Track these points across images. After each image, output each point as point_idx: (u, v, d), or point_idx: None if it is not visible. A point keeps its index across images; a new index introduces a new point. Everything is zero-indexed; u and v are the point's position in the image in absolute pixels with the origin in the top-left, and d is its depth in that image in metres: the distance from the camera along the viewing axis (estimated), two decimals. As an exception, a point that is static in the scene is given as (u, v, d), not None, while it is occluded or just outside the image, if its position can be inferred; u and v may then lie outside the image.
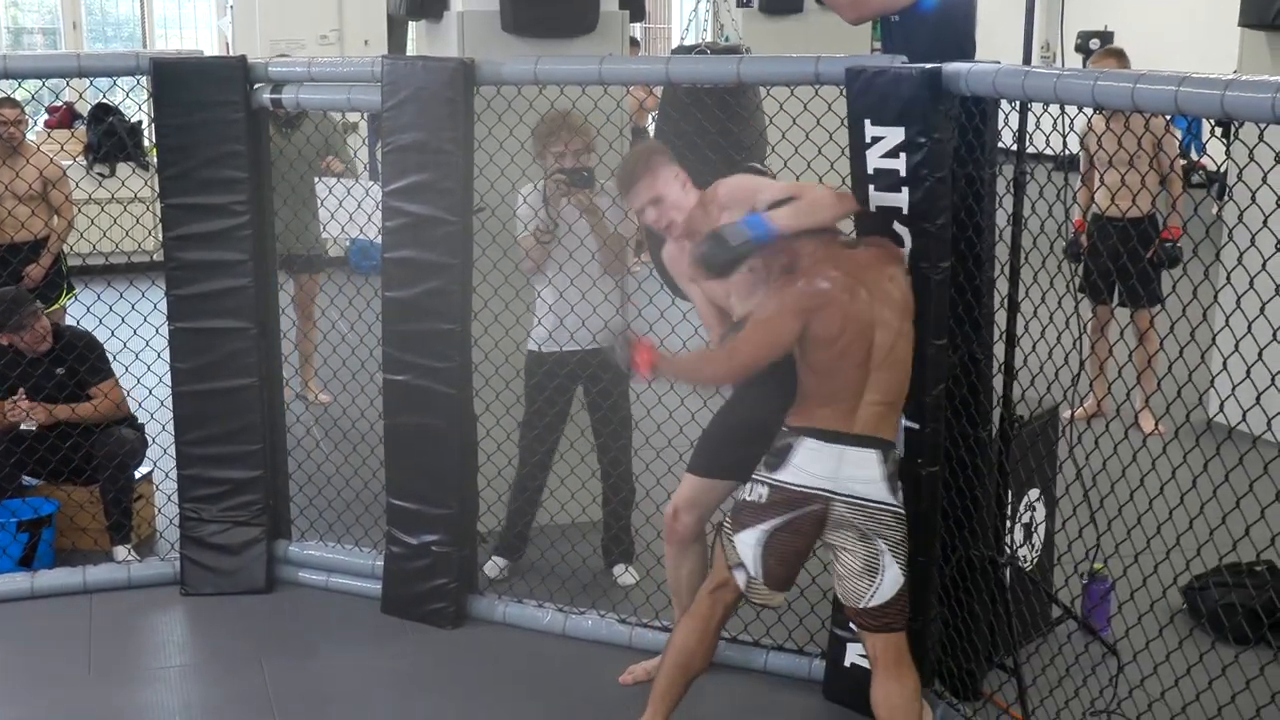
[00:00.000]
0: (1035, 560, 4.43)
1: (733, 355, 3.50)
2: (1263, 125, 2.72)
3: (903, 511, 3.43)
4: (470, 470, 4.69)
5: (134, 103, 5.69)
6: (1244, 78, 2.74)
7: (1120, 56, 6.61)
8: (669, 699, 3.60)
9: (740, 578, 3.47)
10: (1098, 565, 4.36)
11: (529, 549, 4.92)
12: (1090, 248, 6.55)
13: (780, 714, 4.07)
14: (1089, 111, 3.72)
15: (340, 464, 5.29)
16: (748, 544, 3.43)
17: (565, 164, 4.54)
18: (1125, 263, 6.21)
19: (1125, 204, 5.66)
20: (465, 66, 4.39)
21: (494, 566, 4.95)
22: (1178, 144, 6.46)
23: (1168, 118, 5.80)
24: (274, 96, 4.71)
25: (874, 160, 3.68)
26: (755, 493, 3.43)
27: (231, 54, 6.05)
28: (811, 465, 3.37)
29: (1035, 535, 4.41)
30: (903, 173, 3.64)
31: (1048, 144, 3.69)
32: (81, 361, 5.17)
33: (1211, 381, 3.70)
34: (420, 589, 4.66)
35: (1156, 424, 4.32)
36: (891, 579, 3.40)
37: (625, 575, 4.89)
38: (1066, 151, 3.53)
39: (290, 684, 4.27)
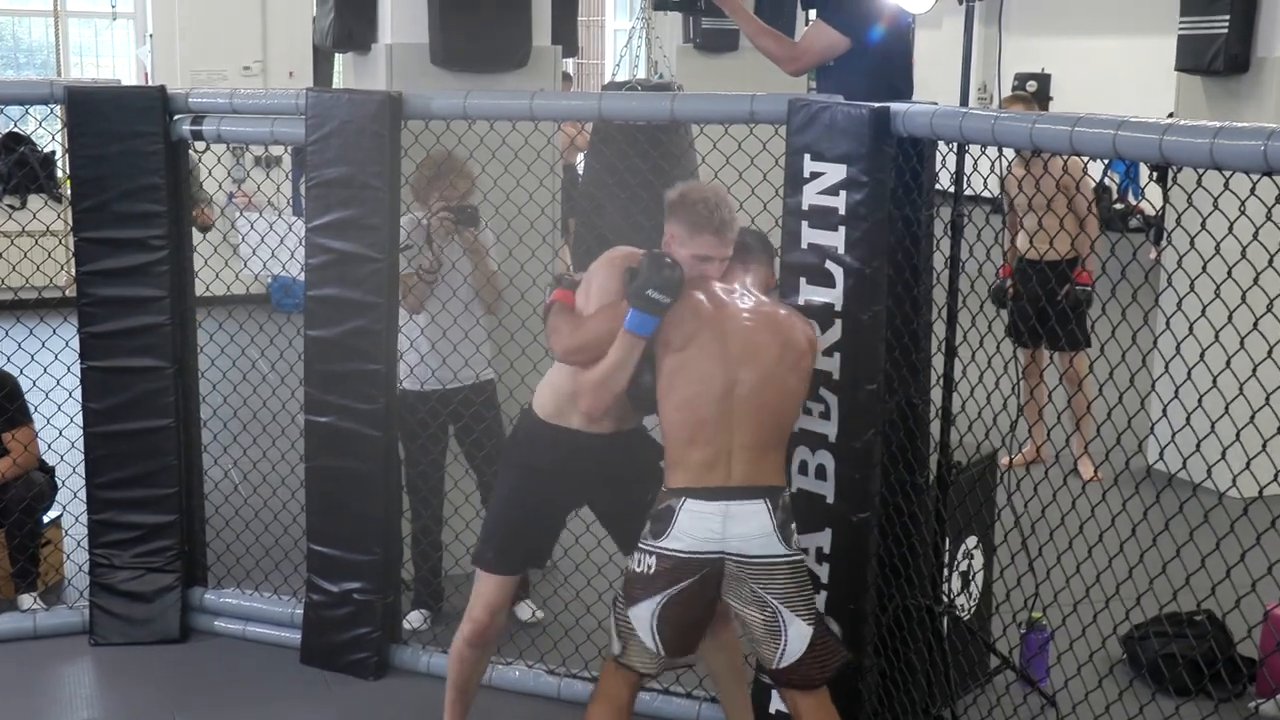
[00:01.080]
0: (973, 609, 4.45)
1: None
2: (1200, 170, 2.77)
3: (800, 558, 3.34)
4: (394, 515, 4.65)
5: (47, 132, 5.62)
6: (1181, 122, 2.79)
7: (1027, 102, 6.76)
8: None
9: (616, 648, 3.40)
10: (1036, 614, 4.38)
11: (454, 597, 4.87)
12: (1015, 292, 6.64)
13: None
14: (1009, 154, 3.78)
15: (259, 508, 5.22)
16: (641, 618, 3.30)
17: (450, 200, 4.58)
18: (1045, 306, 6.32)
19: (1044, 247, 5.75)
20: (392, 100, 4.37)
21: (417, 617, 4.90)
22: (1092, 186, 6.59)
23: (1085, 161, 5.88)
24: (194, 128, 4.67)
25: (810, 197, 3.70)
26: (643, 564, 3.30)
27: (150, 84, 5.98)
28: (696, 528, 3.24)
29: (973, 583, 4.43)
30: (841, 211, 3.67)
31: (985, 186, 3.74)
32: (1, 409, 5.02)
33: (1151, 428, 3.74)
34: (341, 638, 4.60)
35: (1096, 470, 4.37)
36: (797, 635, 3.29)
37: (527, 610, 4.91)
38: (1002, 195, 3.57)
39: (203, 739, 4.19)
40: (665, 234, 3.47)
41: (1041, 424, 6.51)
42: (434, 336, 4.63)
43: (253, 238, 4.86)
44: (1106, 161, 3.22)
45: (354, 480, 4.55)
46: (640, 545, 3.33)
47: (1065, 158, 5.89)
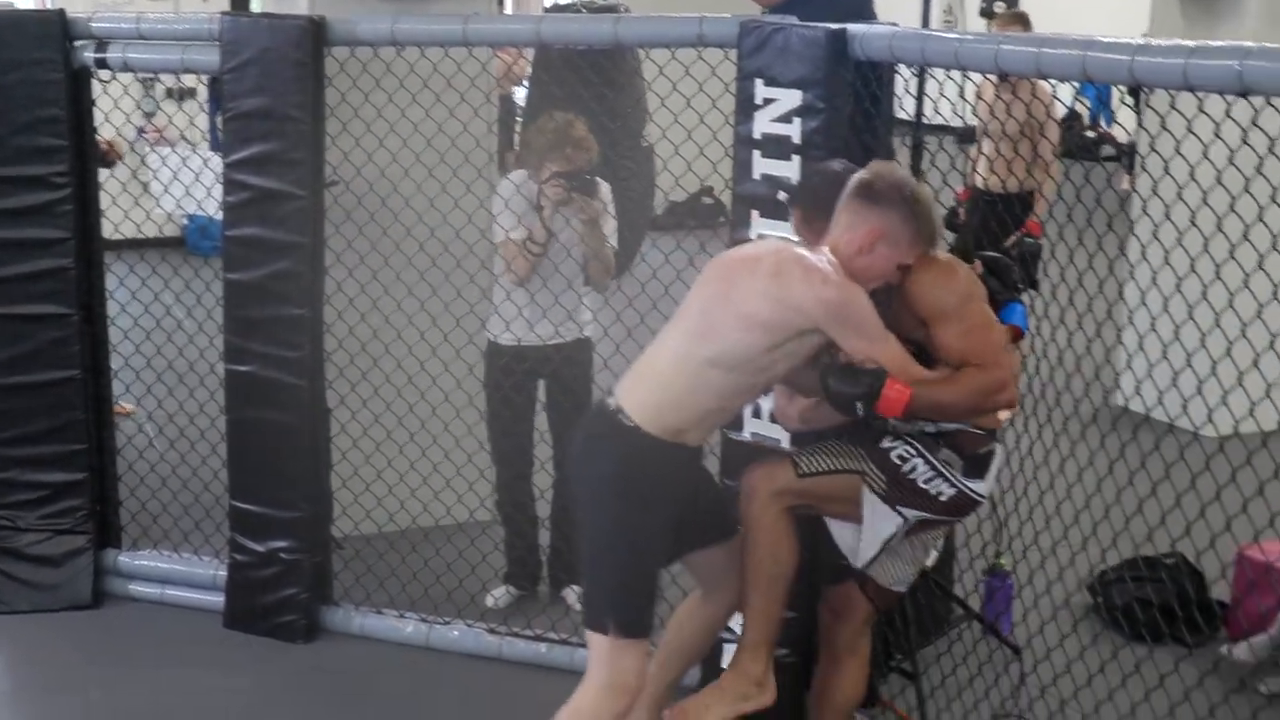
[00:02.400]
0: (934, 556, 4.51)
1: (1003, 371, 3.14)
2: (1173, 92, 2.81)
3: None
4: (323, 469, 4.64)
5: None
6: (1154, 42, 2.82)
7: (1025, 22, 6.75)
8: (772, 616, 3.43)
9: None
10: (1000, 560, 4.45)
11: (389, 555, 4.88)
12: (967, 221, 6.66)
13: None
14: (976, 79, 3.81)
15: (177, 464, 5.19)
16: (886, 524, 3.26)
17: (562, 165, 4.41)
18: (987, 240, 6.32)
19: (1005, 175, 5.76)
20: (314, 25, 4.33)
21: (505, 595, 4.84)
22: (1050, 118, 6.59)
23: (1053, 89, 5.91)
24: (98, 56, 4.60)
25: (763, 124, 3.72)
26: (936, 487, 3.21)
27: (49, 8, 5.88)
28: (994, 474, 3.28)
29: (935, 530, 4.49)
30: (796, 139, 3.68)
31: (955, 113, 3.75)
32: None
33: (1129, 365, 3.80)
34: (267, 600, 4.60)
35: (1012, 417, 4.46)
36: None
37: (573, 595, 4.76)
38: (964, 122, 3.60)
39: (120, 709, 4.19)
40: (862, 227, 3.13)
41: None
42: (534, 288, 4.54)
43: (165, 174, 4.81)
44: (1076, 86, 3.27)
45: (279, 432, 4.54)
46: (942, 472, 3.21)
47: (1033, 85, 5.97)
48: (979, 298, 3.19)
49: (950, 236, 6.68)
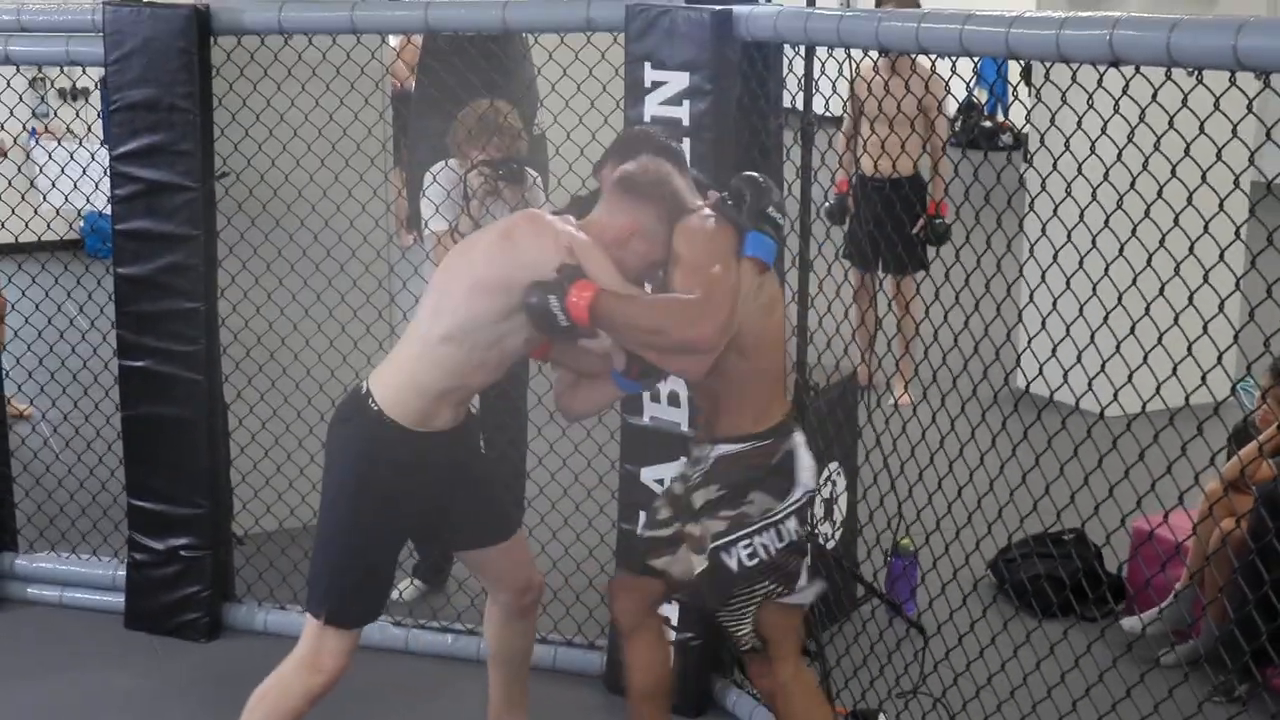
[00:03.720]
0: (837, 537, 4.54)
1: (711, 306, 2.90)
2: (1048, 64, 2.84)
3: None
4: (222, 464, 4.59)
5: None
6: (1028, 13, 2.85)
7: (915, 5, 6.77)
8: None
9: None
10: (903, 540, 4.48)
11: (292, 550, 4.83)
12: (855, 211, 6.69)
13: (562, 707, 4.08)
14: (858, 55, 3.83)
15: (73, 464, 5.11)
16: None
17: (488, 153, 4.31)
18: (890, 226, 6.35)
19: (894, 162, 5.79)
20: (199, 14, 4.28)
21: (411, 589, 4.79)
22: (946, 95, 6.63)
23: (947, 82, 5.94)
24: (-21, 49, 4.51)
25: (652, 108, 3.72)
26: (761, 552, 3.11)
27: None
28: (805, 460, 3.17)
29: (836, 510, 4.52)
30: (685, 122, 3.70)
31: (827, 106, 3.73)
32: None
33: (1018, 359, 3.83)
34: (168, 599, 4.54)
35: (907, 391, 4.49)
36: None
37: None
38: (850, 100, 3.61)
39: (18, 712, 4.11)
40: (620, 219, 3.07)
41: (873, 352, 6.63)
42: None
43: (52, 169, 4.72)
44: (973, 76, 3.29)
45: (175, 428, 4.48)
46: (762, 523, 3.09)
47: (928, 75, 6.01)
48: (717, 240, 3.00)
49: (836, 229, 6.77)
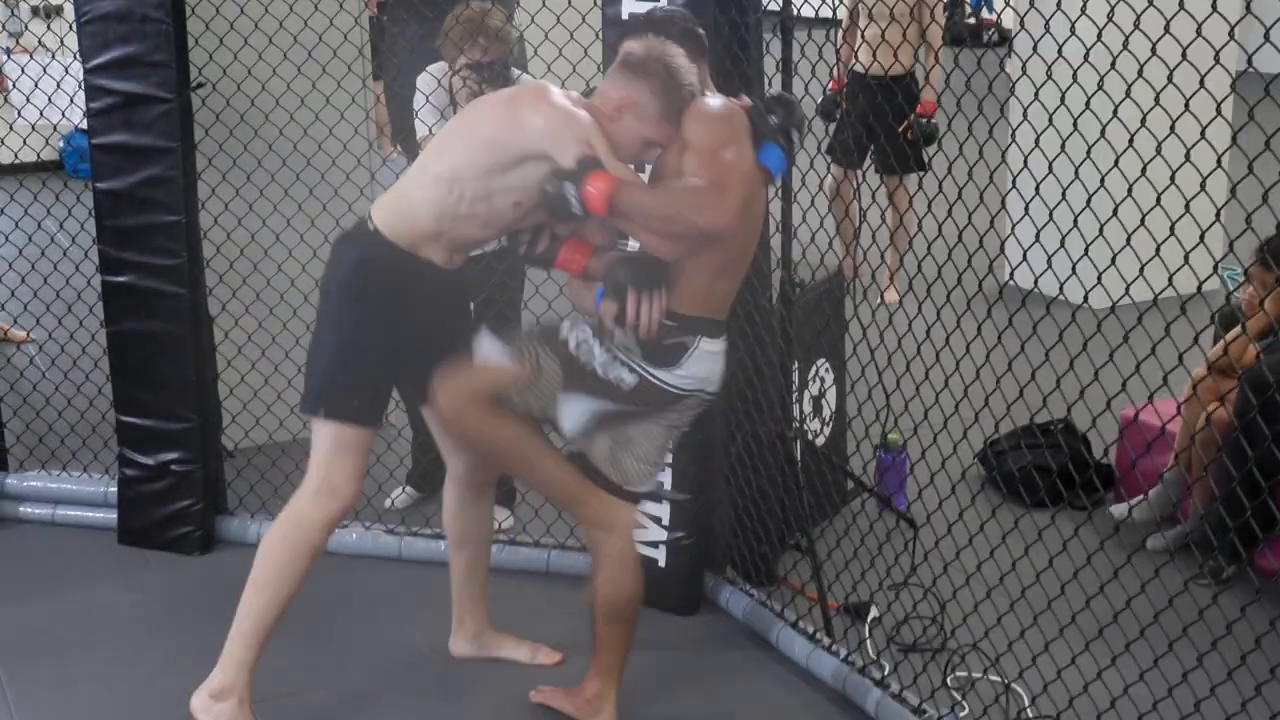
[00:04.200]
0: (827, 433, 4.56)
1: (724, 192, 3.00)
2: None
3: None
4: (209, 378, 4.59)
5: None
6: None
7: None
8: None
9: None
10: (891, 433, 4.50)
11: (282, 462, 4.84)
12: (847, 108, 6.65)
13: (557, 607, 4.11)
14: None
15: (60, 381, 5.11)
16: (574, 410, 3.23)
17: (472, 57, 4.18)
18: (877, 125, 6.30)
19: (888, 60, 5.74)
20: (169, -80, 4.22)
21: (404, 496, 4.83)
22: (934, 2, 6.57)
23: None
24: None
25: (630, 4, 3.72)
26: (617, 375, 3.17)
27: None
28: (699, 368, 3.19)
29: (825, 406, 4.53)
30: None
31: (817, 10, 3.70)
32: None
33: (1002, 246, 3.82)
34: (161, 514, 4.57)
35: (900, 296, 4.49)
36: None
37: (508, 520, 4.67)
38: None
39: (15, 630, 4.13)
40: (614, 94, 3.11)
41: (856, 244, 6.63)
42: None
43: (25, 84, 4.68)
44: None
45: (161, 342, 4.47)
46: (620, 358, 3.16)
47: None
48: (736, 132, 3.08)
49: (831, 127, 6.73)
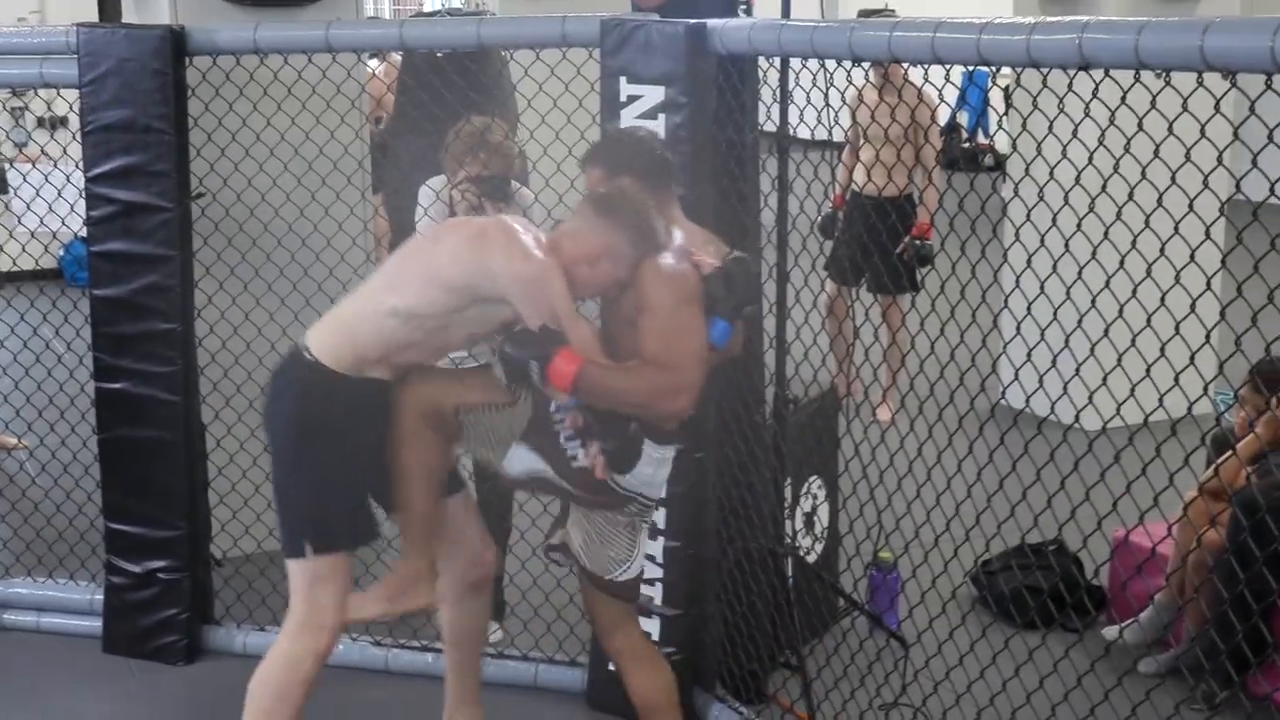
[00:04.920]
0: (819, 550, 4.55)
1: (685, 380, 3.03)
2: (1018, 69, 2.87)
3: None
4: (200, 485, 4.59)
5: None
6: (997, 20, 2.88)
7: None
8: None
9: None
10: (882, 551, 4.49)
11: (270, 571, 4.81)
12: (845, 227, 6.73)
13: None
14: (858, 81, 3.91)
15: (49, 487, 5.10)
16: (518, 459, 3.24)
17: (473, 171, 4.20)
18: (872, 245, 6.36)
19: (882, 181, 5.83)
20: (174, 34, 4.30)
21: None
22: (934, 122, 6.67)
23: (935, 107, 6.00)
24: (-45, 72, 4.52)
25: (628, 121, 3.75)
26: (572, 450, 3.17)
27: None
28: (644, 471, 3.19)
29: (817, 523, 4.53)
30: (661, 135, 3.71)
31: (818, 121, 3.76)
32: None
33: (994, 366, 3.84)
34: (147, 622, 4.53)
35: (894, 415, 4.51)
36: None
37: (496, 633, 4.57)
38: (829, 111, 3.63)
39: (-5, 740, 4.10)
40: (592, 239, 3.08)
41: (849, 361, 6.66)
42: None
43: (26, 192, 4.73)
44: (957, 100, 3.32)
45: (153, 450, 4.47)
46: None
47: (920, 90, 6.05)
48: (693, 304, 3.08)
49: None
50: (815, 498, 4.52)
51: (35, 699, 4.36)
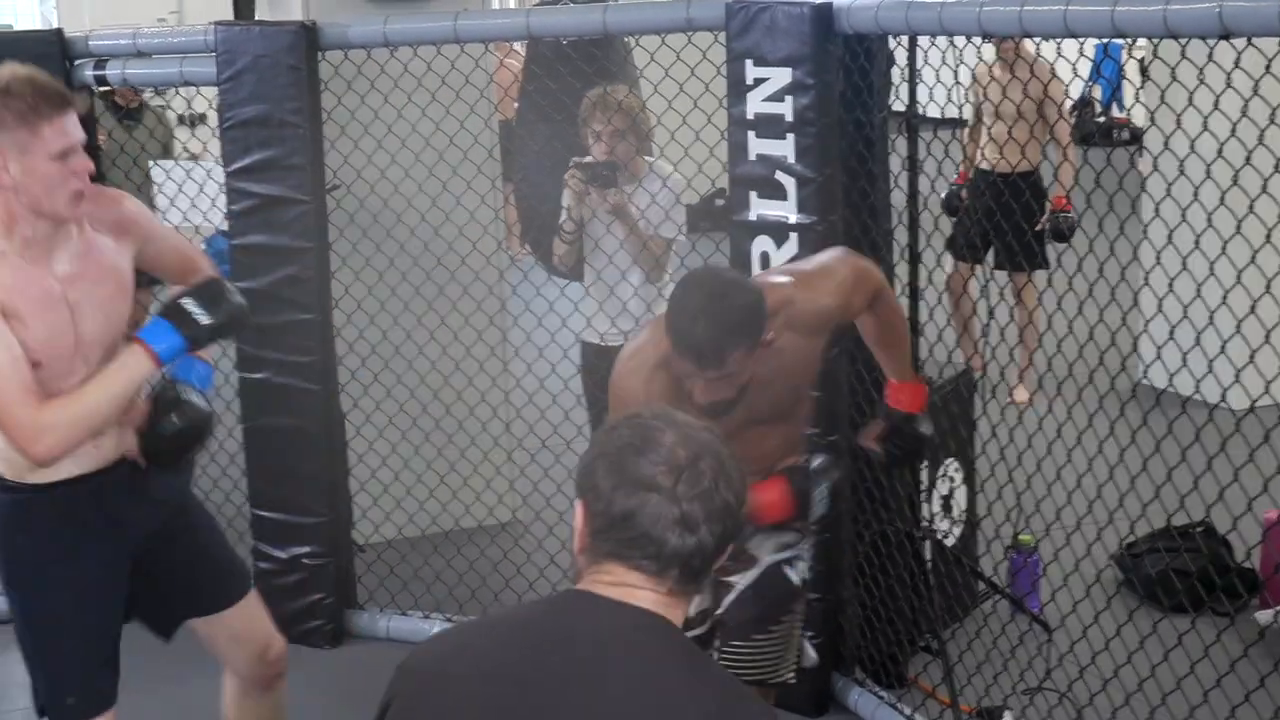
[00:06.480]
0: (956, 533, 4.48)
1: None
2: (1155, 40, 2.78)
3: None
4: (341, 473, 4.65)
5: None
6: (1135, -9, 2.78)
7: None
8: None
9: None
10: (1024, 536, 4.41)
11: (411, 557, 4.88)
12: (968, 204, 6.62)
13: None
14: (985, 58, 3.84)
15: (197, 475, 5.19)
16: None
17: (598, 151, 4.30)
18: (1001, 221, 6.24)
19: (1011, 158, 5.70)
20: (307, 30, 4.34)
21: None
22: (1063, 91, 6.52)
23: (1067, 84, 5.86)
24: (98, 73, 4.61)
25: (755, 104, 3.71)
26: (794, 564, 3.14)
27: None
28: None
29: (954, 506, 4.46)
30: (789, 118, 3.68)
31: (947, 99, 3.68)
32: None
33: (1134, 344, 3.75)
34: (293, 607, 4.60)
35: (1031, 396, 4.41)
36: None
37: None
38: (973, 93, 3.55)
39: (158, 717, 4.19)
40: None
41: (969, 338, 6.55)
42: (600, 295, 4.45)
43: (169, 188, 4.83)
44: (1091, 73, 3.24)
45: (295, 438, 4.54)
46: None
47: (1048, 77, 5.92)
48: None
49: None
50: (952, 480, 4.44)
51: (187, 683, 4.44)
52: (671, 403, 2.74)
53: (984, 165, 6.60)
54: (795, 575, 3.12)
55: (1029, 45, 6.04)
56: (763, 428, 2.92)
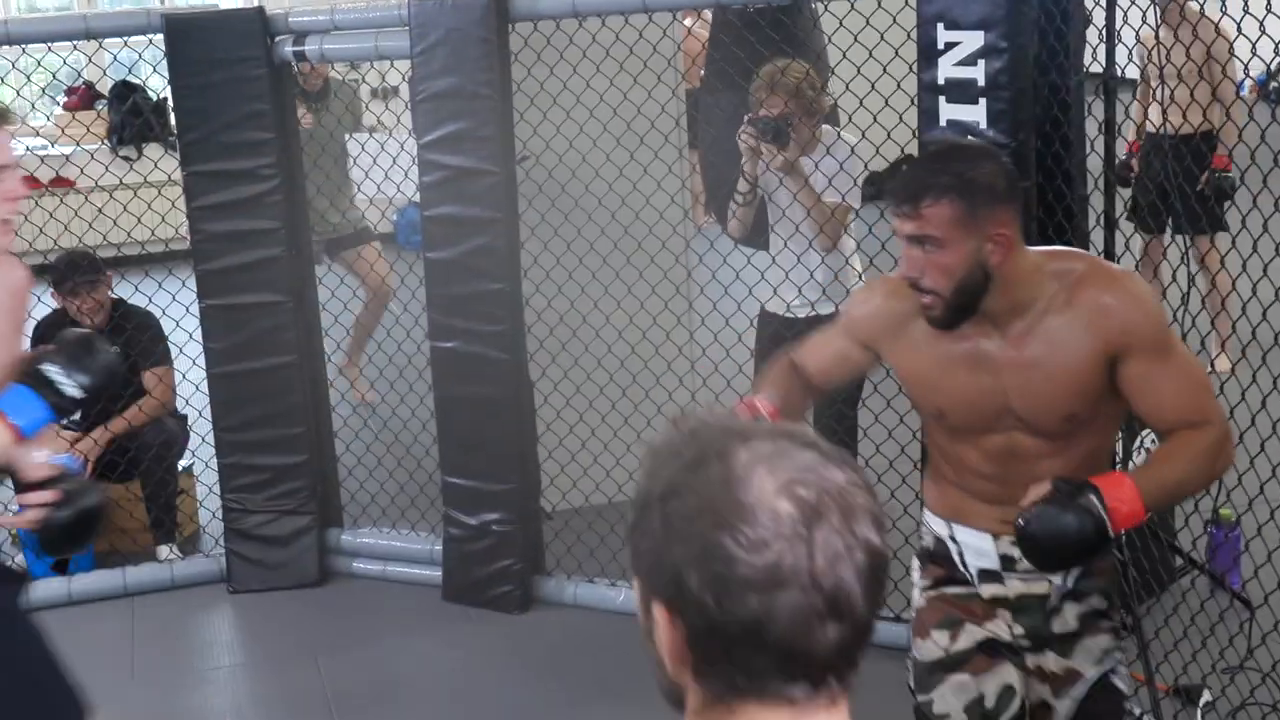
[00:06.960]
0: (1153, 507, 4.36)
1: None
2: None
3: None
4: (530, 441, 4.72)
5: (162, 77, 5.58)
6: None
7: None
8: None
9: None
10: (1224, 510, 4.28)
11: (598, 525, 4.92)
12: (1141, 171, 6.42)
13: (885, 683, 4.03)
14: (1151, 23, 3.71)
15: (390, 443, 5.33)
16: None
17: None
18: (1180, 184, 6.04)
19: (1176, 120, 5.51)
20: (497, 2, 4.39)
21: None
22: (1227, 50, 6.27)
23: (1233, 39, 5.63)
24: (297, 49, 4.74)
25: (946, 69, 3.65)
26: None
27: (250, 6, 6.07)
28: None
29: (1151, 479, 4.34)
30: (981, 82, 3.61)
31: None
32: (134, 340, 5.02)
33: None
34: (483, 573, 4.70)
35: (1234, 365, 4.25)
36: None
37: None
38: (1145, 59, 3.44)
39: (348, 680, 4.32)
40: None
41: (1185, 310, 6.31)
42: (785, 264, 4.44)
43: (364, 160, 4.94)
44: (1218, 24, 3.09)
45: (485, 407, 4.62)
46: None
47: (1212, 36, 5.71)
48: None
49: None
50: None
51: (382, 642, 4.58)
52: (884, 334, 2.71)
53: (1150, 128, 6.43)
54: (1123, 684, 2.79)
55: (1193, 4, 5.84)
56: (1028, 441, 2.62)
